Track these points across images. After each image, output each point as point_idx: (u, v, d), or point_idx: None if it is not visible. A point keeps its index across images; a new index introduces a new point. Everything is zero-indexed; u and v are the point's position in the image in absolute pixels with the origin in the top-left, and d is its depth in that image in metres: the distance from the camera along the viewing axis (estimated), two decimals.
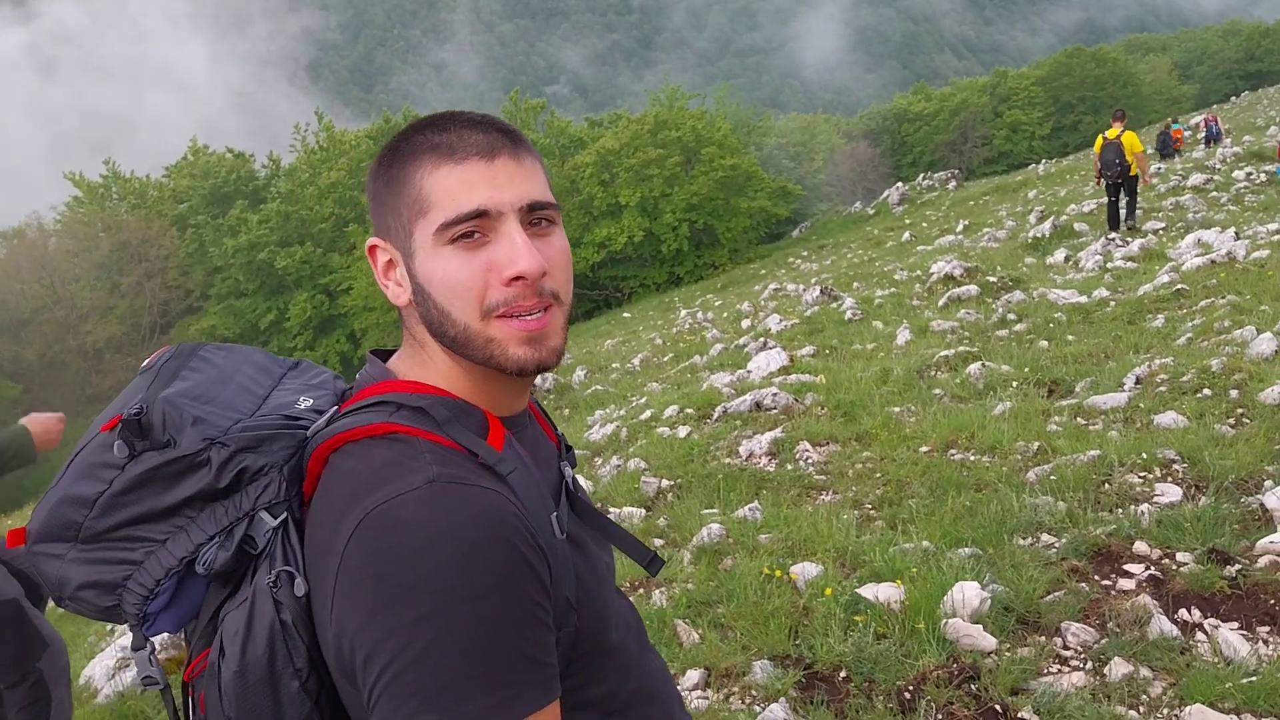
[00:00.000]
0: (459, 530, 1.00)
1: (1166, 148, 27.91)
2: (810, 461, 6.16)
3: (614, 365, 14.11)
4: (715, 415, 7.55)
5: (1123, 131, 15.40)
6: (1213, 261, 9.48)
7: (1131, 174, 15.30)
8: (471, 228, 1.11)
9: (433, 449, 1.08)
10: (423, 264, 1.13)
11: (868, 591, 4.00)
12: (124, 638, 4.90)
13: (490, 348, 1.13)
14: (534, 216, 1.15)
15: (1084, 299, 9.66)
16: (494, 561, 1.00)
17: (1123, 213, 15.63)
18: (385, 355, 1.28)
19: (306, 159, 47.18)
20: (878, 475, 5.73)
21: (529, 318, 1.12)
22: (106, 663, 4.66)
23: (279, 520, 1.11)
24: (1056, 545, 4.35)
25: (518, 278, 1.10)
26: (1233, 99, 61.09)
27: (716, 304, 22.33)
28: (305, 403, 1.24)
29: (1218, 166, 20.17)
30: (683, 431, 7.35)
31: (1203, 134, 30.23)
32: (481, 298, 1.11)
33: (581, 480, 4.94)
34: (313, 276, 43.06)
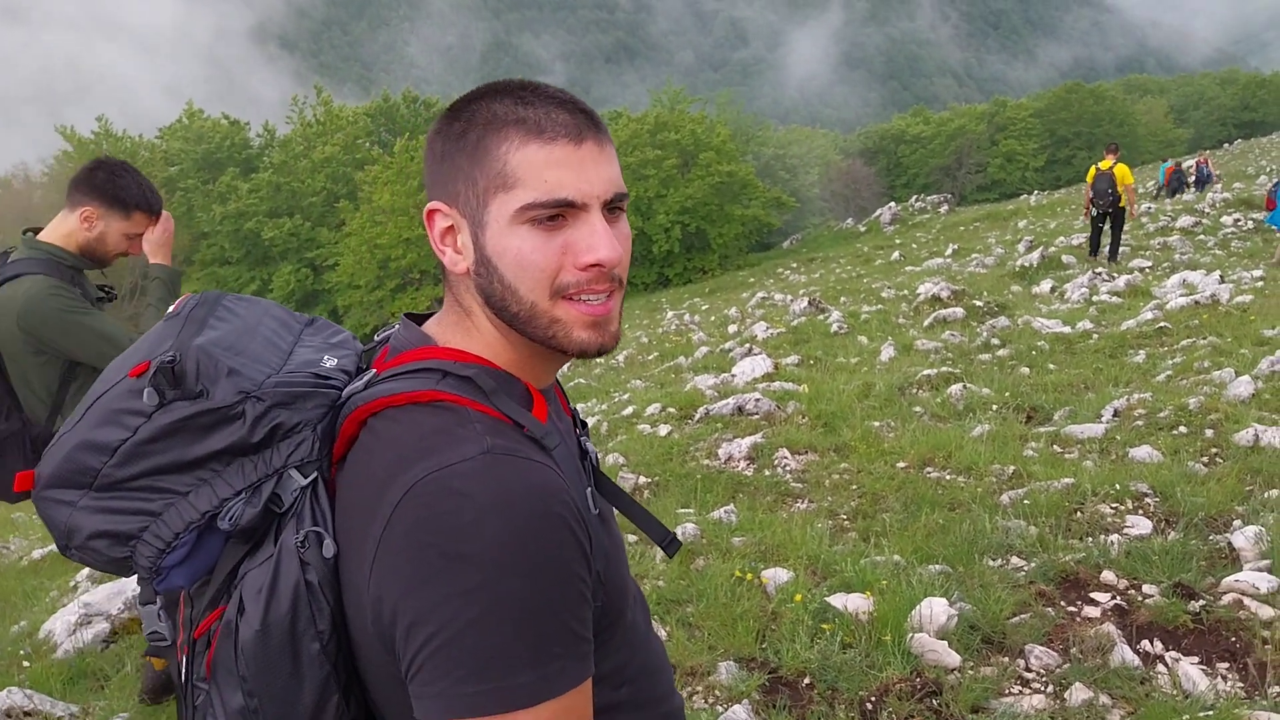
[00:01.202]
0: (513, 503, 0.99)
1: (1180, 185, 28.21)
2: (788, 469, 6.19)
3: (598, 360, 14.11)
4: (697, 416, 7.57)
5: (1115, 164, 15.79)
6: (1196, 302, 9.58)
7: (1120, 205, 15.69)
8: (556, 213, 1.10)
9: (482, 419, 1.07)
10: (495, 238, 1.11)
11: (837, 601, 4.03)
12: (87, 594, 4.85)
13: (554, 328, 1.13)
14: (611, 205, 1.15)
15: (1068, 329, 9.75)
16: (546, 537, 1.00)
17: (1106, 249, 15.91)
18: (418, 319, 1.25)
19: (302, 131, 46.96)
20: (854, 487, 5.76)
21: (594, 301, 1.12)
22: (68, 619, 4.61)
23: (309, 480, 1.09)
24: (1025, 569, 4.39)
25: (595, 264, 1.10)
26: (1226, 145, 61.67)
27: (703, 308, 22.37)
28: (330, 362, 1.21)
29: (1207, 210, 20.37)
30: (663, 430, 7.36)
31: (1194, 176, 30.51)
32: (554, 278, 1.11)
33: None
34: (299, 250, 42.85)
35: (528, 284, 1.11)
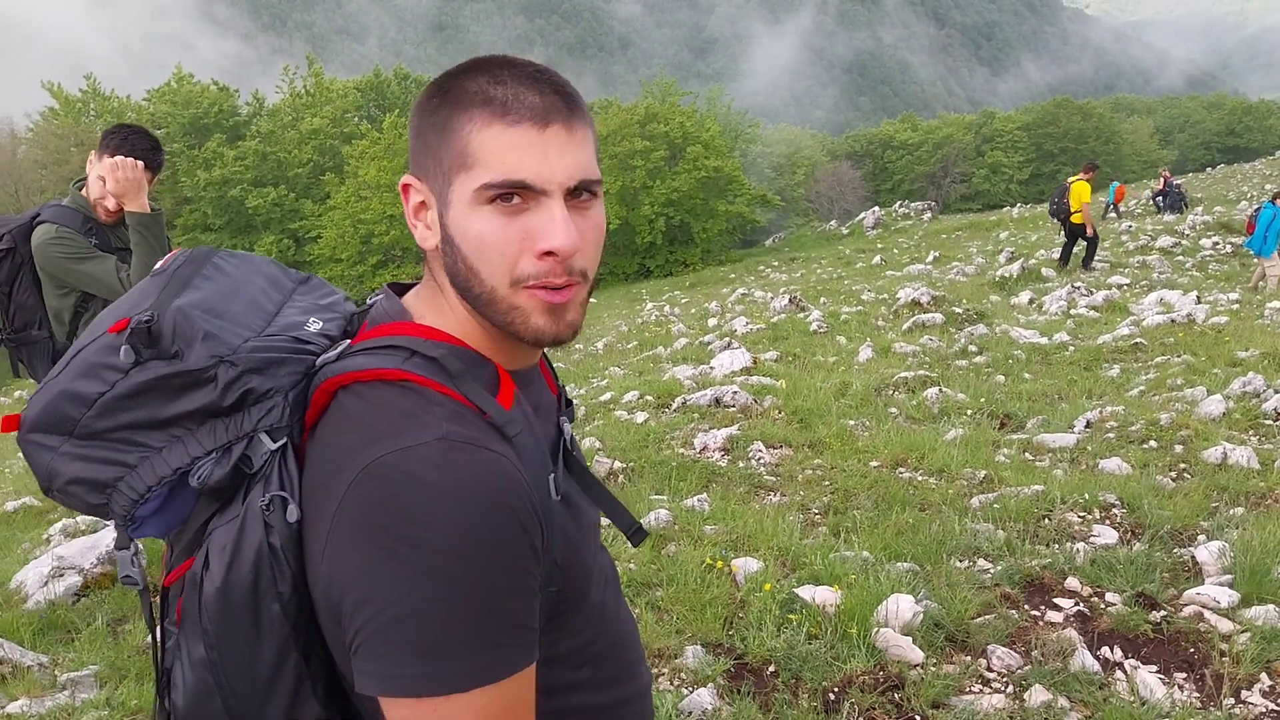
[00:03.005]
0: (465, 492, 1.00)
1: (1178, 203, 28.42)
2: (762, 462, 6.22)
3: (577, 345, 14.11)
4: (674, 405, 7.60)
5: (1078, 179, 16.75)
6: (1173, 321, 9.69)
7: (1072, 220, 16.48)
8: (512, 192, 1.08)
9: (445, 403, 1.08)
10: (457, 218, 1.11)
11: (805, 592, 4.06)
12: (61, 547, 4.82)
13: (512, 315, 1.12)
14: (579, 191, 1.12)
15: (1044, 340, 9.83)
16: (493, 526, 1.01)
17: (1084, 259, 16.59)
18: (401, 290, 1.26)
19: (291, 102, 46.60)
20: (826, 483, 5.80)
21: (553, 290, 1.11)
22: (40, 569, 4.59)
23: (279, 445, 1.10)
24: (991, 571, 4.44)
25: (549, 253, 1.09)
26: (1209, 169, 62.29)
27: (683, 301, 22.40)
28: (315, 325, 1.21)
29: (1187, 232, 20.58)
30: (640, 417, 7.38)
31: (1163, 197, 30.63)
32: (513, 265, 1.09)
33: None
34: (282, 220, 42.58)
35: (488, 267, 1.10)
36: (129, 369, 1.10)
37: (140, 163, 3.64)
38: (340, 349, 1.16)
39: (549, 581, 1.11)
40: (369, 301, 1.29)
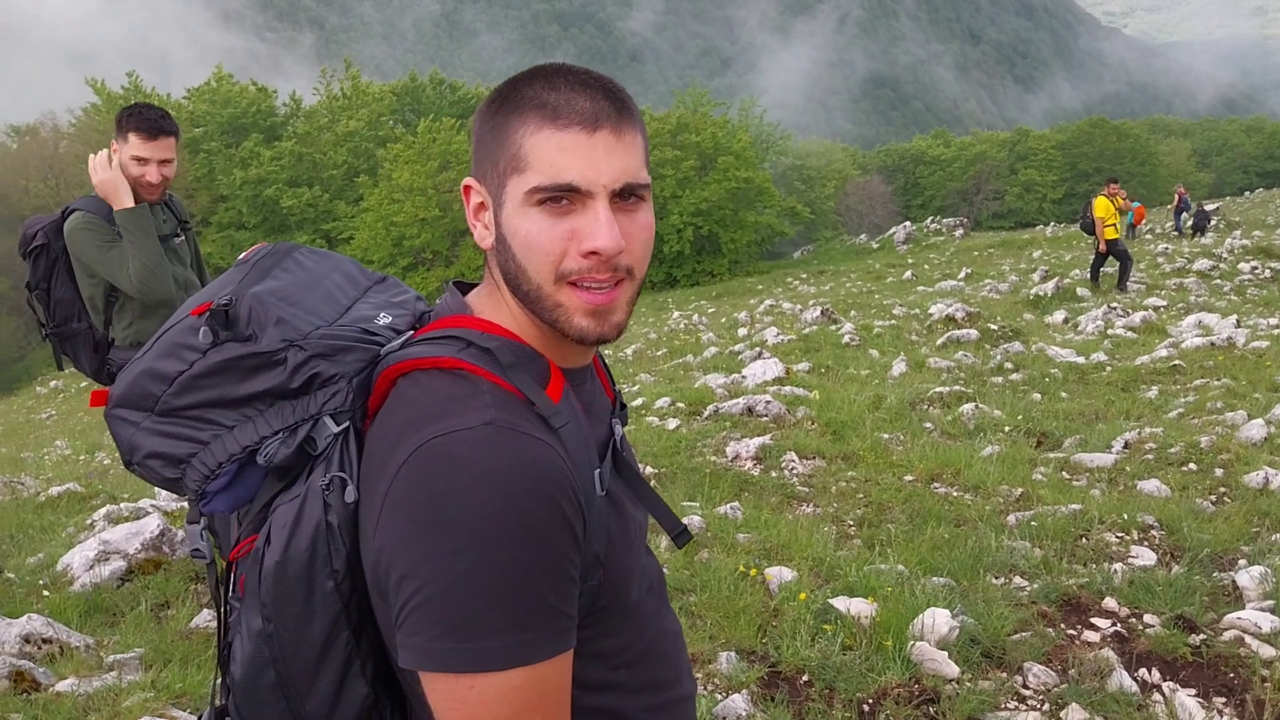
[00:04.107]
0: (505, 476, 1.04)
1: (1202, 222, 28.10)
2: (795, 472, 6.21)
3: (606, 351, 14.14)
4: (706, 413, 7.59)
5: (1100, 195, 17.15)
6: (1212, 344, 9.58)
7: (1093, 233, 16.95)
8: (561, 195, 1.12)
9: (494, 391, 1.12)
10: (509, 218, 1.16)
11: (840, 603, 4.04)
12: (106, 532, 4.90)
13: (557, 312, 1.16)
14: (626, 194, 1.16)
15: (1081, 360, 9.75)
16: (533, 511, 1.04)
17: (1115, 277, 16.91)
18: (465, 288, 1.31)
19: (328, 104, 47.00)
20: (860, 496, 5.78)
21: (597, 290, 1.15)
22: (86, 553, 4.66)
23: (341, 428, 1.15)
24: (1028, 589, 4.40)
25: (594, 252, 1.13)
26: (1246, 194, 61.60)
27: (710, 310, 22.36)
28: (384, 319, 1.27)
29: (1224, 256, 20.35)
30: (672, 424, 7.38)
31: (1180, 213, 30.39)
32: (558, 263, 1.14)
33: None
34: (316, 221, 42.89)
35: (534, 265, 1.14)
36: (207, 349, 1.17)
37: (110, 156, 3.76)
38: (403, 339, 1.22)
39: (587, 575, 1.14)
40: (439, 301, 1.35)
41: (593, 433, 1.23)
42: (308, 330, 1.18)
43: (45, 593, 4.55)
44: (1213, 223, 29.49)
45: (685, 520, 5.05)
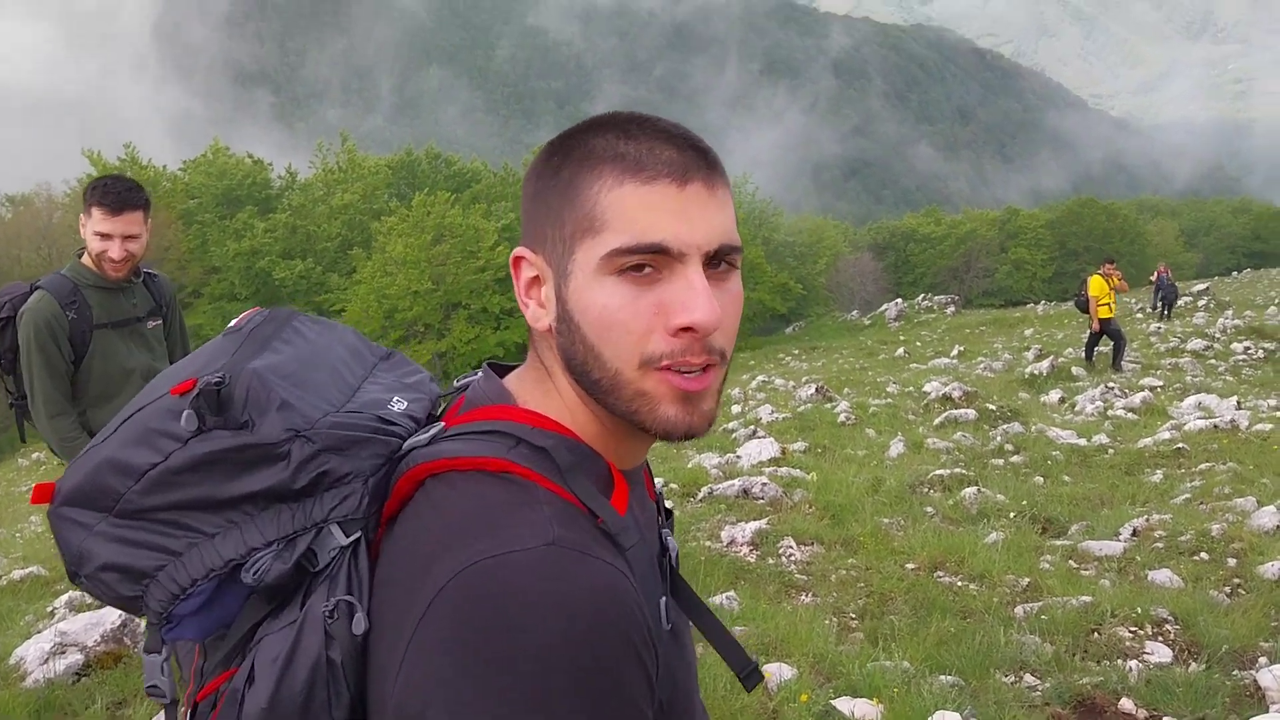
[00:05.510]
0: (573, 611, 0.83)
1: (1170, 295, 27.99)
2: (793, 559, 5.99)
3: None
4: (700, 495, 7.39)
5: (1096, 274, 17.27)
6: (1215, 426, 9.44)
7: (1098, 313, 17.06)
8: (646, 261, 0.93)
9: (552, 501, 0.91)
10: (579, 290, 0.95)
11: (843, 704, 3.82)
12: (64, 623, 4.65)
13: (638, 402, 0.95)
14: (718, 259, 0.97)
15: (1083, 442, 9.60)
16: (605, 655, 0.83)
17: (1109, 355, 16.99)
18: (501, 369, 1.11)
19: (324, 177, 47.39)
20: (861, 585, 5.56)
21: (688, 374, 0.94)
22: (42, 646, 4.41)
23: (351, 539, 0.94)
24: (1040, 688, 4.19)
25: (687, 329, 0.92)
26: (1234, 274, 62.21)
27: None
28: (400, 404, 1.07)
29: (1218, 336, 20.38)
30: (667, 503, 7.17)
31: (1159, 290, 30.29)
32: (643, 343, 0.93)
33: None
34: (308, 292, 42.90)
35: (612, 347, 0.94)
36: (189, 438, 0.95)
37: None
38: (432, 432, 1.00)
39: None
40: (456, 384, 1.14)
41: (649, 546, 1.04)
42: (316, 417, 0.97)
43: None
44: (1179, 299, 29.39)
45: None
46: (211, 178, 45.88)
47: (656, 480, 6.96)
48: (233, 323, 1.10)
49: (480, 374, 1.10)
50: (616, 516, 0.94)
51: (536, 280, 1.02)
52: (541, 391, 1.03)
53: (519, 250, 1.03)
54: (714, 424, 1.00)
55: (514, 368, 1.11)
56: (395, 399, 1.07)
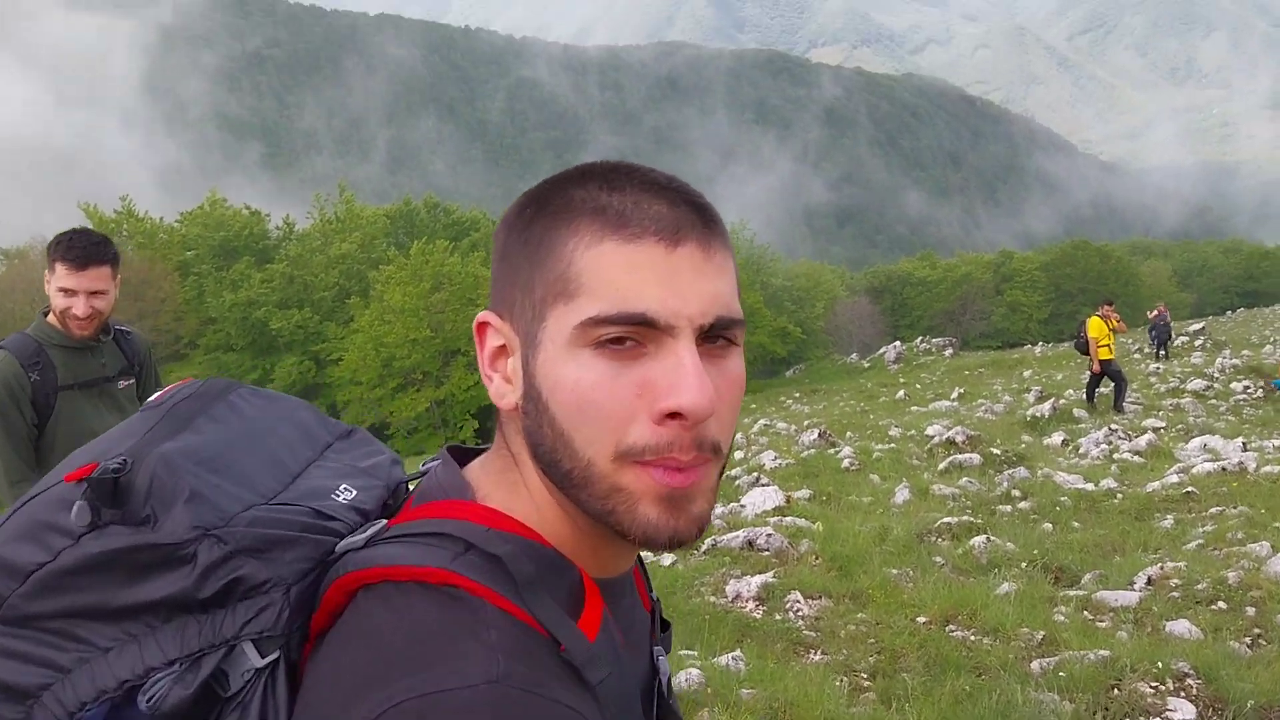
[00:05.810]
0: None
1: (1164, 334, 28.01)
2: (800, 614, 5.82)
3: None
4: (704, 548, 7.22)
5: (1095, 315, 17.24)
6: (1224, 469, 9.31)
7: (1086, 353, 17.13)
8: (627, 333, 0.79)
9: (502, 625, 0.76)
10: (549, 364, 0.81)
11: None
12: None
13: (613, 500, 0.80)
14: (714, 334, 0.82)
15: (1090, 487, 9.46)
16: None
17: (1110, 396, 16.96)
18: (464, 455, 0.95)
19: (321, 227, 47.50)
20: (871, 641, 5.39)
21: (674, 471, 0.79)
22: None
23: (268, 660, 0.80)
24: None
25: (675, 414, 0.78)
26: (1228, 313, 62.37)
27: None
28: (345, 494, 0.91)
29: (1217, 376, 20.31)
30: (667, 559, 7.01)
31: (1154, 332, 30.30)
32: (622, 430, 0.78)
33: None
34: (305, 342, 42.83)
35: (585, 433, 0.79)
36: (81, 534, 0.81)
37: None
38: (370, 532, 0.85)
39: None
40: (423, 467, 0.97)
41: (633, 671, 0.89)
42: (233, 512, 0.82)
43: None
44: (1173, 338, 29.40)
45: (683, 674, 4.65)
46: (209, 229, 45.98)
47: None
48: (153, 396, 0.96)
49: (439, 461, 0.94)
50: (584, 643, 0.79)
51: (503, 350, 0.87)
52: (506, 483, 0.88)
53: (484, 315, 0.89)
54: (706, 529, 0.84)
55: (479, 452, 0.95)
56: (343, 487, 0.92)
